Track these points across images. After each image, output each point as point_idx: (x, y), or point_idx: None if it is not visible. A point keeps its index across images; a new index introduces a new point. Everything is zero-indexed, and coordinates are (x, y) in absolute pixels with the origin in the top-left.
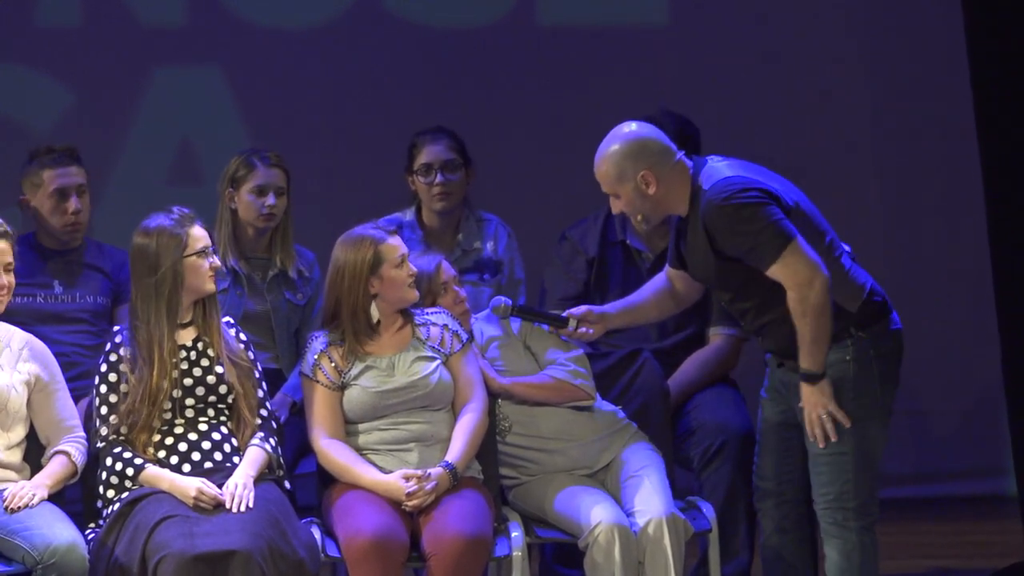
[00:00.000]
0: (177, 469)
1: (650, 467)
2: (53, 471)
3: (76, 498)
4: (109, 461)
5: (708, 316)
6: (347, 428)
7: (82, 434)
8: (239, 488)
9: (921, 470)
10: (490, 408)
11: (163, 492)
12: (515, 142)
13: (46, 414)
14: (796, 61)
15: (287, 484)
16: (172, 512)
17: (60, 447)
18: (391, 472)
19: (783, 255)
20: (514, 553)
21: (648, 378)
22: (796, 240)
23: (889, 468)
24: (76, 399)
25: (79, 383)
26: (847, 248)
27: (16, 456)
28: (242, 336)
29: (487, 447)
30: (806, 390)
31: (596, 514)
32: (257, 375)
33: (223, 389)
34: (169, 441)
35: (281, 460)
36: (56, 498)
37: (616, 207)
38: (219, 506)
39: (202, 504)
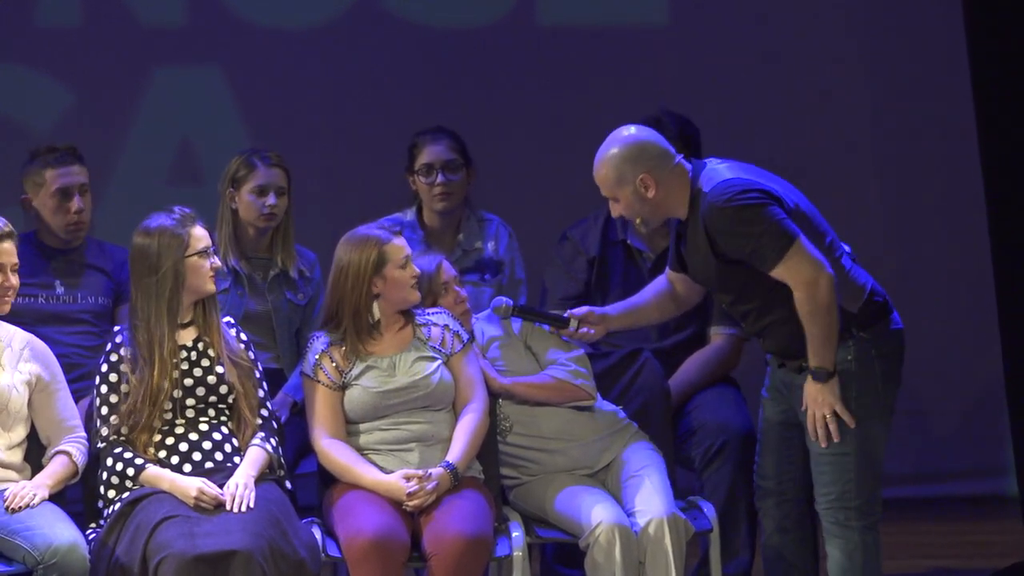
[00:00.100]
0: (178, 469)
1: (651, 467)
2: (54, 471)
3: (77, 498)
4: (110, 461)
5: (709, 316)
6: (348, 428)
7: (83, 434)
8: (240, 488)
9: (921, 470)
10: (491, 408)
11: (164, 492)
12: (515, 142)
13: (47, 414)
14: (796, 61)
15: (288, 484)
16: (173, 512)
17: (61, 447)
18: (392, 472)
19: (786, 256)
20: (515, 553)
21: (649, 378)
22: (799, 240)
23: (889, 468)
24: (77, 400)
25: (80, 384)
26: (847, 248)
27: (17, 456)
28: (243, 336)
29: (488, 447)
30: (813, 388)
31: (597, 514)
32: (258, 375)
33: (224, 389)
34: (170, 441)
35: (282, 460)
36: (57, 498)
37: (616, 211)
38: (220, 506)
39: (203, 504)
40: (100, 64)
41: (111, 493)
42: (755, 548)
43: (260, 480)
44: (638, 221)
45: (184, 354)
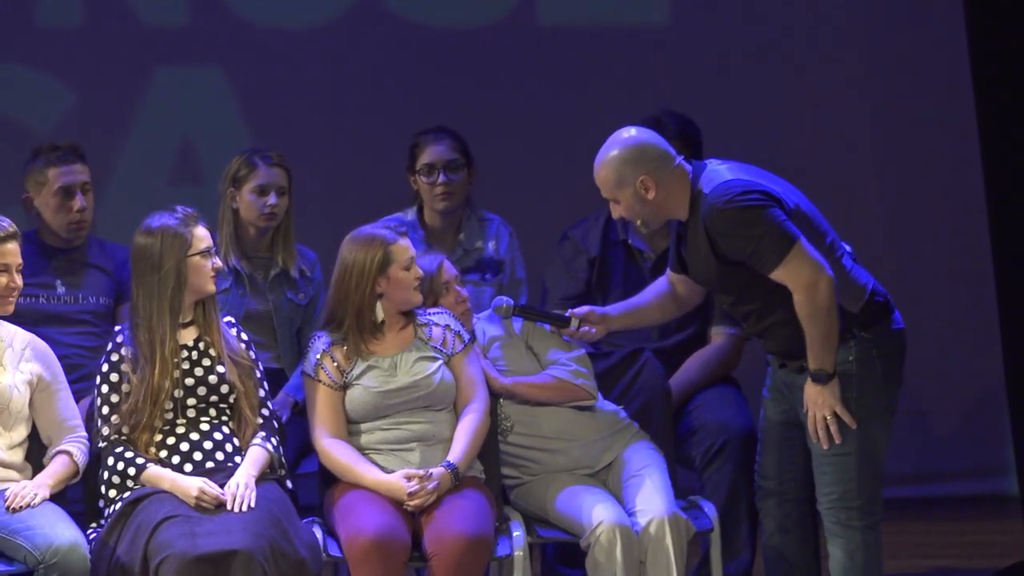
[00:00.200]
0: (179, 469)
1: (652, 467)
2: (55, 471)
3: (78, 498)
4: (111, 461)
5: (710, 315)
6: (349, 428)
7: (84, 434)
8: (241, 488)
9: (921, 470)
10: (492, 408)
11: (165, 492)
12: (515, 142)
13: (48, 414)
14: (796, 61)
15: (289, 484)
16: (174, 512)
17: (62, 447)
18: (393, 472)
19: (787, 258)
20: (516, 553)
21: (650, 378)
22: (799, 242)
23: (889, 468)
24: (77, 399)
25: (81, 384)
26: (848, 249)
27: (18, 456)
28: (243, 336)
29: (489, 447)
30: (813, 390)
31: (598, 514)
32: (258, 375)
33: (225, 389)
34: (171, 441)
35: (283, 460)
36: (58, 498)
37: (616, 212)
38: (221, 506)
39: (204, 504)
40: (101, 64)
41: (112, 493)
42: (756, 548)
43: (261, 480)
44: (639, 222)
45: (185, 354)
